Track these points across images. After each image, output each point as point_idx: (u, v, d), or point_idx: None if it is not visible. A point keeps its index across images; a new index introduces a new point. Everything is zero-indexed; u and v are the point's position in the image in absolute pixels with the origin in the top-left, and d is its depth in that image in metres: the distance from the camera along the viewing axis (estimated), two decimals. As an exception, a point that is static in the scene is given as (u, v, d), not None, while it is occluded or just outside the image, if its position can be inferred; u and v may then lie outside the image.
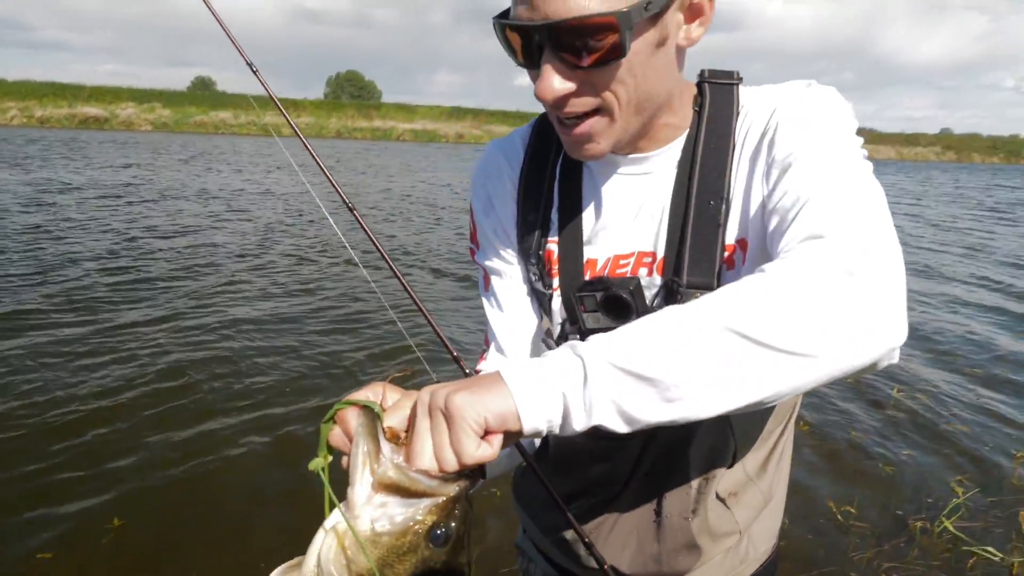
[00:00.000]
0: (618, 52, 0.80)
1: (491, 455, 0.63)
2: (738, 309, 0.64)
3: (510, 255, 1.11)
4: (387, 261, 1.07)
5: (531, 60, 0.84)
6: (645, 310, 0.97)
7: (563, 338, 1.07)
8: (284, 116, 1.20)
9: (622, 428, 0.65)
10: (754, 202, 0.93)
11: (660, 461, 1.06)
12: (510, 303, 1.12)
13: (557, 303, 1.06)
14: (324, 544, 0.64)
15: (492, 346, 1.13)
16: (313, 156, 1.15)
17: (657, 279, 1.01)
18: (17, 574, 2.74)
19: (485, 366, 1.13)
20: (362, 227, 1.12)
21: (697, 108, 0.99)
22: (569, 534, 1.12)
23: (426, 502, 0.64)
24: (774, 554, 1.20)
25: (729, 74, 1.00)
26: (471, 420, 0.62)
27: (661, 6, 0.80)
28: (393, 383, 0.72)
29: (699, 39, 0.90)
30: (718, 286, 0.91)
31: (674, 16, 0.84)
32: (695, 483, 1.06)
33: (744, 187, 0.95)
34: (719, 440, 1.05)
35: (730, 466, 1.08)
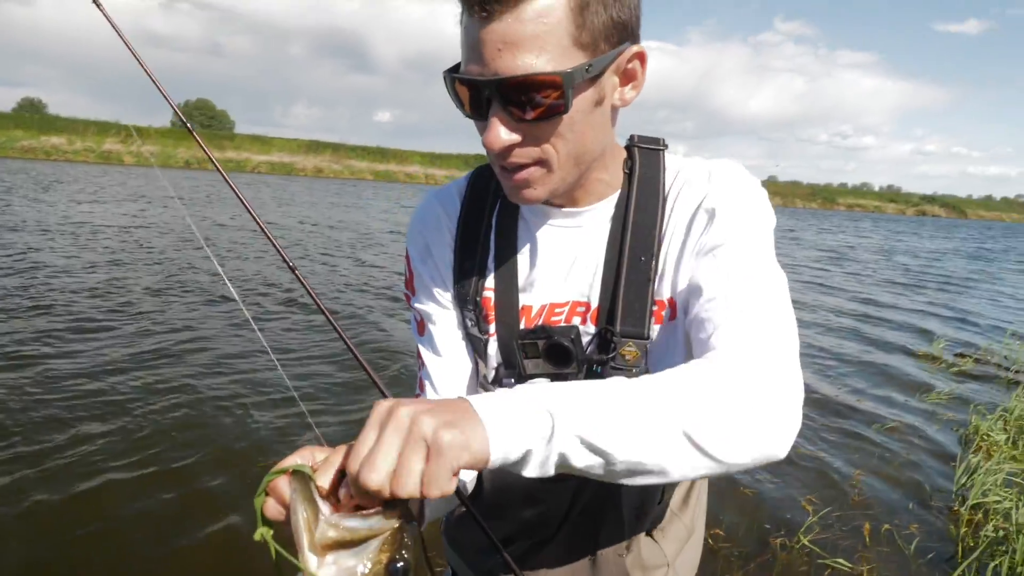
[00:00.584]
0: (560, 108, 0.86)
1: (451, 489, 0.64)
2: (693, 416, 0.74)
3: (446, 301, 1.14)
4: (316, 302, 1.06)
5: (479, 112, 0.90)
6: (583, 358, 1.03)
7: (498, 382, 1.10)
8: (204, 150, 1.13)
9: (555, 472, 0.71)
10: (682, 275, 1.01)
11: (594, 501, 1.10)
12: (446, 348, 1.14)
13: (493, 348, 1.10)
14: None
15: (427, 389, 1.15)
16: (234, 189, 1.10)
17: (591, 327, 1.06)
18: None
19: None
20: (292, 271, 1.10)
21: (628, 170, 1.07)
22: None
23: (374, 543, 0.64)
24: None
25: (656, 140, 1.09)
26: (453, 460, 0.62)
27: (600, 69, 0.87)
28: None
29: (632, 101, 0.97)
30: (647, 337, 1.01)
31: (610, 79, 0.91)
32: (627, 520, 1.10)
33: (676, 254, 1.02)
34: None
35: (659, 502, 1.14)
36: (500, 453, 0.66)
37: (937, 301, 12.81)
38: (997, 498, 4.01)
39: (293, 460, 0.68)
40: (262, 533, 0.69)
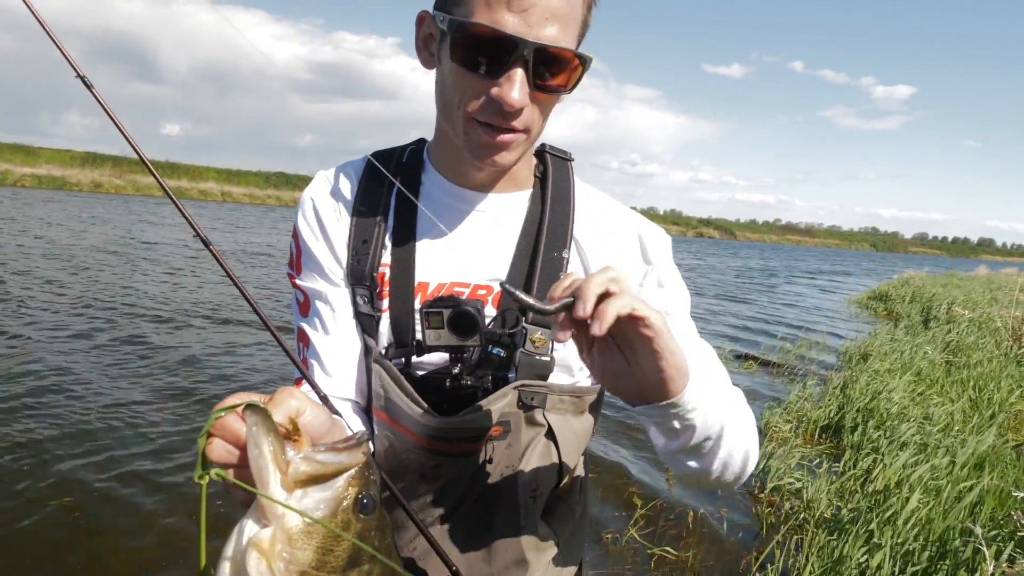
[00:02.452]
0: (568, 88, 0.94)
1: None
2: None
3: (337, 278, 1.11)
4: (249, 301, 0.94)
5: (495, 67, 0.90)
6: (487, 331, 1.04)
7: (389, 360, 1.08)
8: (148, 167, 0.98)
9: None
10: None
11: (492, 486, 1.10)
12: (335, 326, 1.11)
13: (385, 324, 1.09)
14: (250, 563, 0.59)
15: (315, 369, 1.11)
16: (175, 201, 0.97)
17: (492, 311, 1.08)
18: None
19: (305, 390, 1.07)
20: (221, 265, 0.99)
21: (539, 174, 1.14)
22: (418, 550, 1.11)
23: (343, 478, 0.63)
24: (581, 567, 1.30)
25: (565, 152, 1.18)
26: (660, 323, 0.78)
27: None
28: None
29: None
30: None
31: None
32: (523, 502, 1.11)
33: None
34: (547, 462, 1.12)
35: (556, 486, 1.16)
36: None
37: (719, 311, 14.24)
38: (791, 480, 4.52)
39: (237, 399, 0.64)
40: (216, 473, 0.62)
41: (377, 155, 1.14)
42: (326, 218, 1.12)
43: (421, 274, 1.08)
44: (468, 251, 1.09)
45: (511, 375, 1.06)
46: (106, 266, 11.96)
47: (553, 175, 1.13)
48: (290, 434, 0.64)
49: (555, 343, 1.05)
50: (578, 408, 1.12)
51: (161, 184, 0.88)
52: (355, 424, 1.11)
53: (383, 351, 1.09)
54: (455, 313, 1.02)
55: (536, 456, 1.10)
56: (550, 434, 1.10)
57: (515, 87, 0.90)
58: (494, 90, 0.91)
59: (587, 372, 1.13)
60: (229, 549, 0.61)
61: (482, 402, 1.04)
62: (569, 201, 1.12)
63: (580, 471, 1.24)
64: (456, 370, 1.07)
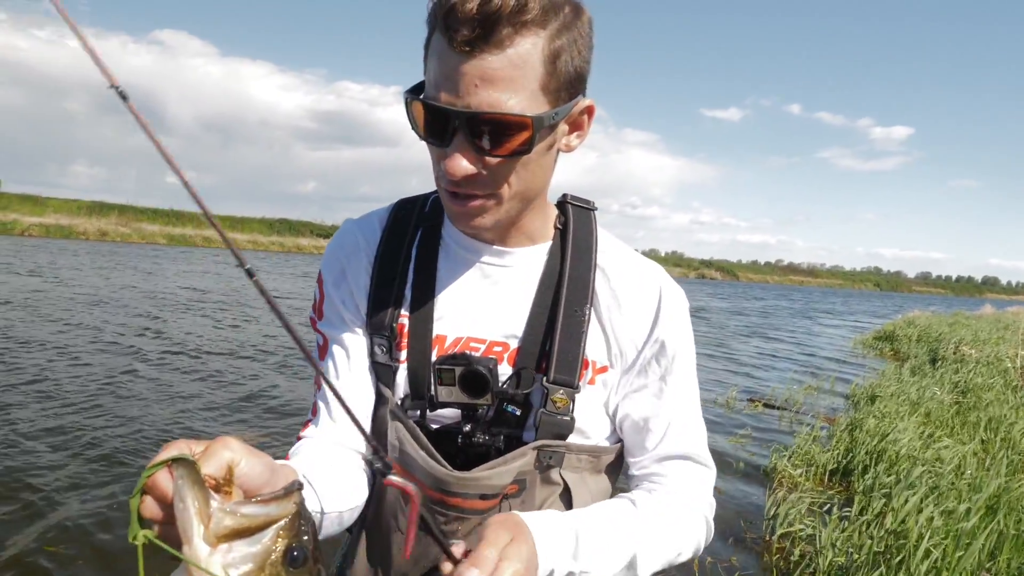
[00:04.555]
0: (526, 149, 0.90)
1: None
2: (670, 554, 1.05)
3: (356, 326, 1.12)
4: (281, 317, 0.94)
5: (438, 138, 0.91)
6: (498, 391, 1.04)
7: (405, 411, 1.08)
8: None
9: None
10: (618, 361, 1.10)
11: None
12: (348, 372, 1.11)
13: (402, 376, 1.09)
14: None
15: (321, 413, 1.11)
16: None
17: (508, 368, 1.07)
18: None
19: (310, 432, 1.11)
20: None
21: (560, 225, 1.12)
22: None
23: (270, 531, 0.62)
24: None
25: (587, 201, 1.16)
26: None
27: (561, 117, 0.92)
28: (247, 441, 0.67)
29: (575, 148, 1.02)
30: (577, 387, 1.05)
31: (562, 126, 0.96)
32: None
33: (613, 333, 1.09)
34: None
35: None
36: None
37: (727, 353, 14.15)
38: (801, 526, 4.42)
39: (168, 453, 0.62)
40: (144, 534, 0.61)
41: (403, 202, 1.17)
42: (349, 266, 1.14)
43: (439, 327, 1.09)
44: (485, 307, 1.09)
45: (526, 434, 1.07)
46: (135, 309, 11.98)
47: (574, 227, 1.12)
48: (220, 486, 0.62)
49: (575, 404, 1.06)
50: (595, 467, 1.12)
51: (212, 222, 0.91)
52: (359, 479, 1.09)
53: (399, 402, 1.09)
54: (466, 372, 1.03)
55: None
56: (565, 493, 1.09)
57: (455, 157, 0.90)
58: (444, 160, 0.92)
59: (604, 435, 1.13)
60: None
61: (500, 460, 1.05)
62: (591, 254, 1.10)
63: None
64: (467, 428, 1.07)
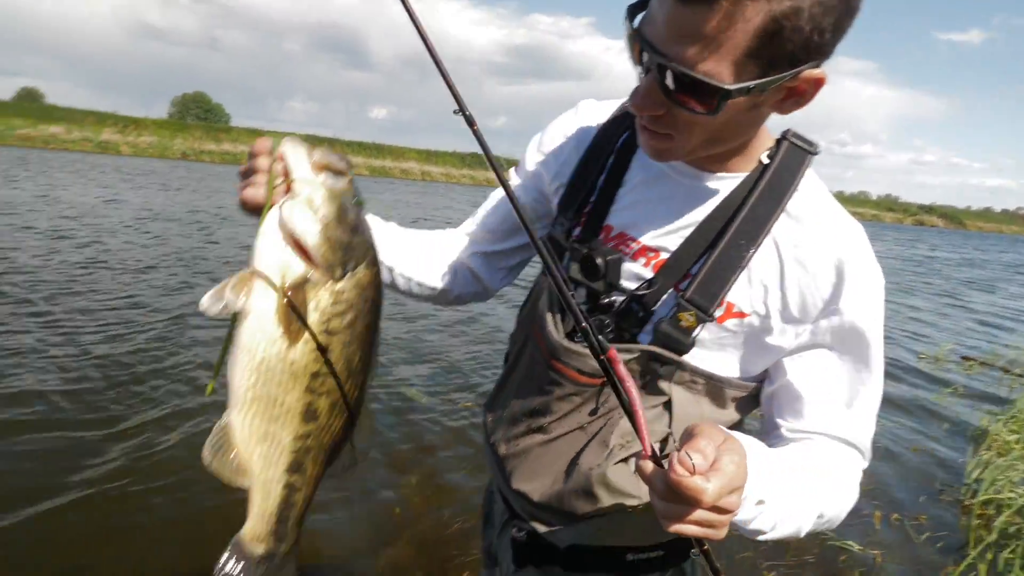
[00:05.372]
0: (709, 112, 0.88)
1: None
2: (828, 516, 1.00)
3: (542, 184, 1.30)
4: None
5: (642, 66, 0.92)
6: (613, 283, 1.11)
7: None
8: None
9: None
10: (775, 316, 1.04)
11: (593, 422, 1.14)
12: (501, 209, 1.36)
13: (567, 251, 1.19)
14: (295, 209, 0.87)
15: (477, 217, 1.41)
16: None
17: (649, 273, 1.09)
18: None
19: (465, 225, 1.43)
20: None
21: (768, 159, 1.06)
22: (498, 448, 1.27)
23: (344, 178, 0.90)
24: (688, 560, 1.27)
25: (810, 143, 1.07)
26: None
27: (765, 87, 0.86)
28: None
29: (791, 112, 0.96)
30: (711, 316, 1.04)
31: (776, 91, 0.90)
32: (613, 445, 1.11)
33: (778, 284, 1.04)
34: (654, 428, 1.09)
35: (661, 450, 1.09)
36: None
37: (947, 306, 12.80)
38: (1012, 495, 3.96)
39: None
40: (268, 195, 0.90)
41: (625, 105, 1.20)
42: (566, 141, 1.26)
43: (611, 218, 1.15)
44: (653, 213, 1.11)
45: (642, 336, 1.09)
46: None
47: (779, 165, 1.05)
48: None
49: (703, 328, 1.05)
50: (715, 395, 1.10)
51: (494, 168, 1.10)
52: (434, 269, 1.39)
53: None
54: (587, 255, 1.11)
55: (647, 419, 1.05)
56: (668, 406, 1.09)
57: (641, 93, 0.92)
58: (636, 89, 0.94)
59: (726, 374, 1.10)
60: (272, 221, 0.87)
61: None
62: (782, 197, 1.03)
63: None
64: (587, 308, 1.13)
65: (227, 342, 0.88)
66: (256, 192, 0.96)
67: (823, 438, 1.05)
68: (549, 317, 1.16)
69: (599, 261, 1.10)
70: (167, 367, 4.87)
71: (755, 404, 1.14)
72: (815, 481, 0.98)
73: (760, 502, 0.87)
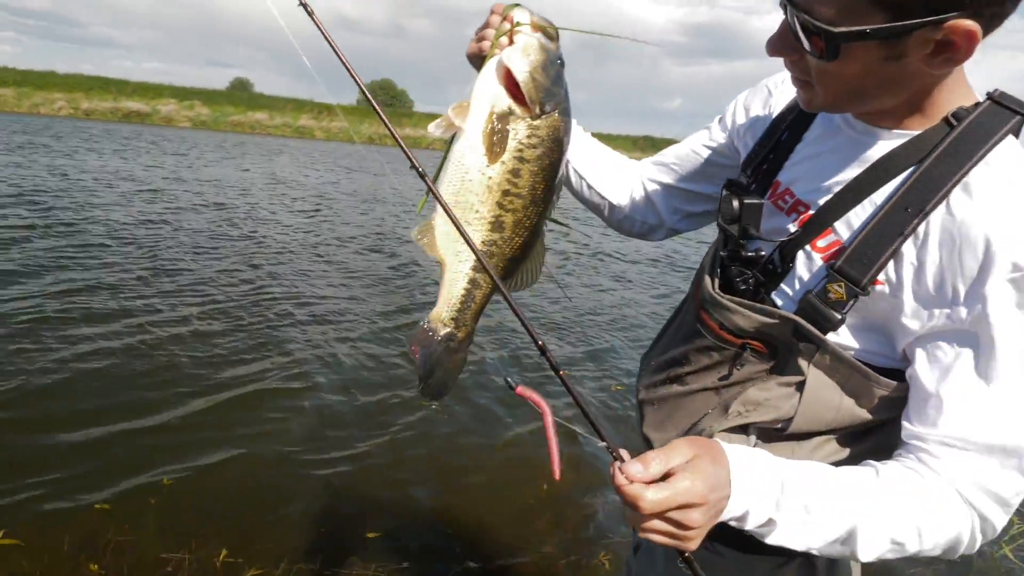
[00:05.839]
0: (827, 57, 0.87)
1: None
2: (903, 536, 0.89)
3: (728, 145, 1.34)
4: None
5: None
6: (744, 230, 1.11)
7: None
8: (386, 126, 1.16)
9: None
10: (910, 294, 0.94)
11: (724, 386, 1.14)
12: (694, 148, 1.40)
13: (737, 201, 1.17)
14: (505, 52, 1.06)
15: (667, 152, 1.47)
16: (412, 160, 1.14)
17: (793, 228, 1.07)
18: (77, 521, 2.88)
19: (654, 156, 1.50)
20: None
21: (956, 121, 0.94)
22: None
23: (555, 41, 1.07)
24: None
25: (1021, 103, 0.94)
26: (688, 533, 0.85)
27: (891, 33, 0.82)
28: None
29: (945, 71, 0.88)
30: (864, 290, 0.95)
31: (917, 40, 0.83)
32: (731, 412, 1.10)
33: (928, 265, 0.92)
34: (781, 404, 1.07)
35: (779, 431, 1.09)
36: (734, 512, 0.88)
37: None
38: None
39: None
40: (496, 45, 1.09)
41: None
42: (769, 98, 1.26)
43: (782, 174, 1.15)
44: (817, 167, 1.08)
45: (779, 299, 1.08)
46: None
47: (969, 126, 0.92)
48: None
49: (854, 303, 0.97)
50: (857, 389, 1.01)
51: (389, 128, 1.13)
52: (619, 181, 1.50)
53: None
54: (725, 196, 1.14)
55: (775, 396, 1.07)
56: (800, 387, 1.04)
57: (775, 35, 0.94)
58: None
59: (874, 360, 1.01)
60: (492, 64, 1.07)
61: (747, 302, 1.09)
62: (965, 161, 0.90)
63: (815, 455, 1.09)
64: (724, 252, 1.16)
65: (442, 162, 1.10)
66: (483, 45, 1.12)
67: (956, 451, 0.89)
68: (708, 272, 1.17)
69: (735, 203, 1.11)
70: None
71: (903, 407, 0.99)
72: (887, 498, 0.89)
73: (769, 520, 0.88)
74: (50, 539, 2.72)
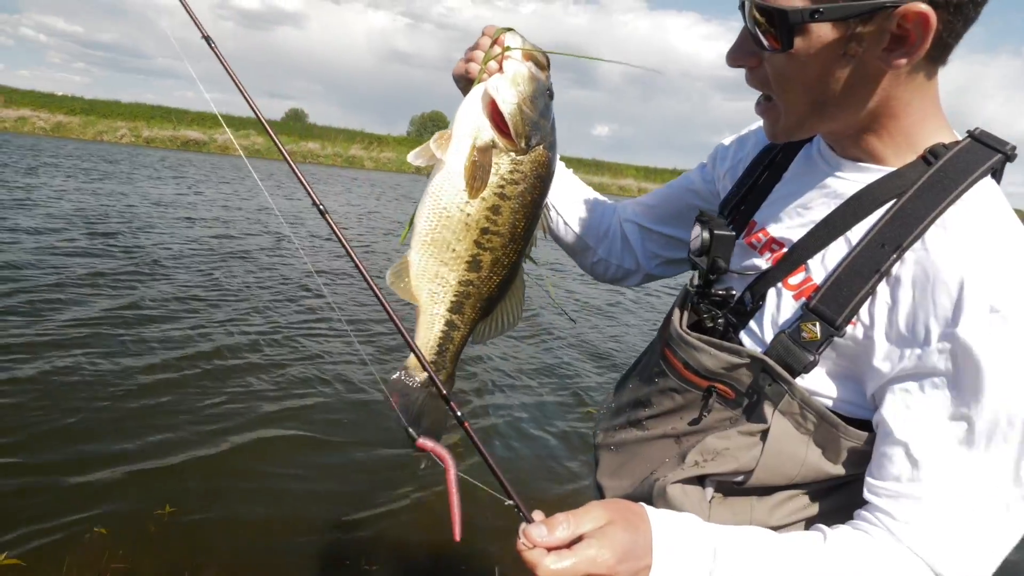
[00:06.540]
0: (780, 46, 0.84)
1: None
2: None
3: (704, 181, 1.31)
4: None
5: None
6: (714, 262, 1.05)
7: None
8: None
9: None
10: (881, 334, 0.89)
11: (684, 432, 1.08)
12: (674, 192, 1.38)
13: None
14: (491, 81, 1.00)
15: (646, 195, 1.44)
16: None
17: (766, 265, 1.03)
18: (77, 545, 2.90)
19: (634, 199, 1.46)
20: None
21: (932, 158, 0.91)
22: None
23: (545, 71, 1.02)
24: None
25: (1001, 142, 0.91)
26: None
27: (837, 16, 0.79)
28: None
29: (903, 67, 0.83)
30: (839, 330, 0.90)
31: (865, 33, 0.81)
32: (688, 462, 1.04)
33: (888, 295, 0.89)
34: (740, 456, 1.00)
35: (739, 484, 1.03)
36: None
37: None
38: None
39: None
40: (490, 58, 1.04)
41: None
42: (755, 140, 1.21)
43: (759, 213, 1.11)
44: (790, 204, 1.05)
45: (747, 338, 1.02)
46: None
47: (948, 162, 0.89)
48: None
49: (828, 344, 0.92)
50: (825, 440, 0.95)
51: (281, 151, 1.11)
52: (592, 221, 1.42)
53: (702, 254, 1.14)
54: (695, 227, 1.09)
55: (735, 446, 1.00)
56: (764, 436, 0.97)
57: (735, 41, 0.92)
58: None
59: (844, 407, 0.96)
60: (478, 92, 1.01)
61: (713, 340, 1.03)
62: (943, 199, 0.86)
63: (777, 512, 1.03)
64: (692, 287, 1.12)
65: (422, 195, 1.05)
66: (472, 67, 1.06)
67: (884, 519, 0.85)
68: (677, 310, 1.12)
69: (704, 235, 1.04)
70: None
71: (861, 465, 0.94)
72: (832, 566, 0.84)
73: None
74: (50, 562, 2.75)
